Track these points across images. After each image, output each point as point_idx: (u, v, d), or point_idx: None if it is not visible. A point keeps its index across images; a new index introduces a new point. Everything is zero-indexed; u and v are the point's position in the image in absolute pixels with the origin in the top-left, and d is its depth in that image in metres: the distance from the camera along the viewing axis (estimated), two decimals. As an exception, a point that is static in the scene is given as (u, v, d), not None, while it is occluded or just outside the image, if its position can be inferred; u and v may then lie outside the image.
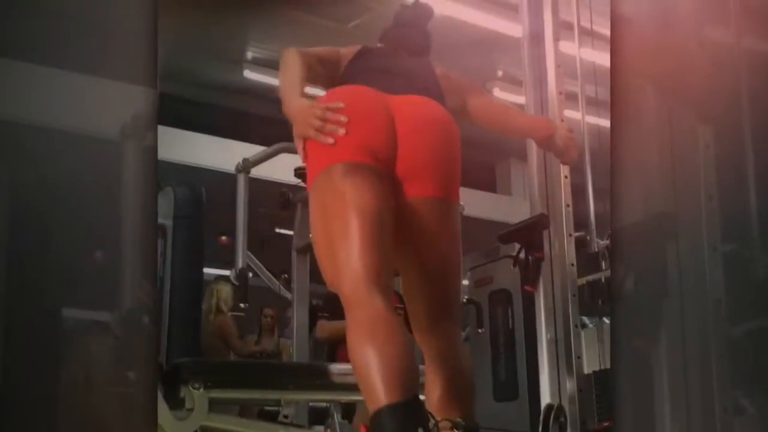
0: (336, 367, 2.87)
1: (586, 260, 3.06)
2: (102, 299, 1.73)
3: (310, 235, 1.94)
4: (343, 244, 1.76)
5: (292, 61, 1.96)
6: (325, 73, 2.04)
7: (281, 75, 1.96)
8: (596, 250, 3.15)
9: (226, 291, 5.57)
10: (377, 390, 1.58)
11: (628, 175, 1.98)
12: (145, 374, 1.75)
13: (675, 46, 1.99)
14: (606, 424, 2.77)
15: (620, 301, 2.00)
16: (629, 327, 1.96)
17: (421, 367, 1.96)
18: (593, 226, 3.22)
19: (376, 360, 1.60)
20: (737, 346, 1.83)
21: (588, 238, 3.25)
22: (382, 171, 1.83)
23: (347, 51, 2.11)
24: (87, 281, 1.71)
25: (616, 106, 1.94)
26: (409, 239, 1.90)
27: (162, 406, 2.52)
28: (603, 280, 2.89)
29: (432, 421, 1.68)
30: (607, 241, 2.93)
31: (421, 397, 1.90)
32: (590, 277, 3.06)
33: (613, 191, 1.93)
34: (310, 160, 1.90)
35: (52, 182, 1.67)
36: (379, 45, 2.23)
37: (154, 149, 1.79)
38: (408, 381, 1.60)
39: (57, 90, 1.71)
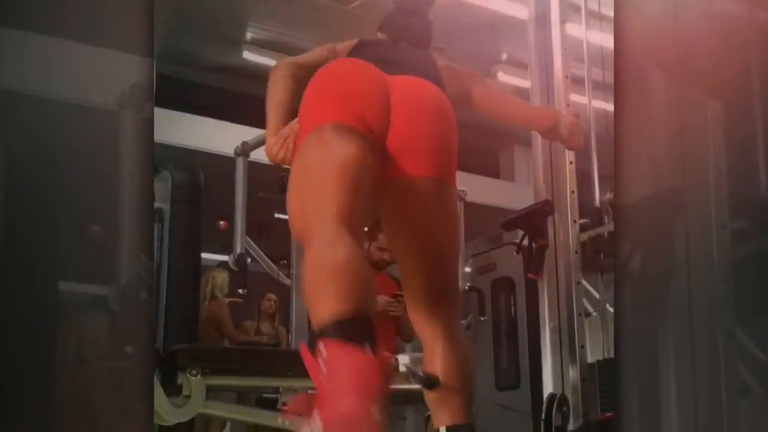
0: (335, 355, 2.87)
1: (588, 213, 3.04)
2: (96, 270, 1.73)
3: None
4: (316, 188, 1.71)
5: (273, 86, 1.99)
6: None
7: (266, 105, 2.01)
8: (598, 204, 3.14)
9: (221, 278, 5.59)
10: (323, 304, 1.47)
11: (632, 149, 1.97)
12: (142, 350, 1.74)
13: (683, 20, 1.97)
14: (609, 414, 2.77)
15: (625, 280, 1.98)
16: (634, 306, 1.95)
17: (418, 355, 1.96)
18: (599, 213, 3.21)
19: (326, 277, 1.50)
20: (745, 326, 1.82)
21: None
22: (373, 141, 1.81)
23: (344, 45, 2.10)
24: (81, 252, 1.70)
25: (620, 79, 1.93)
26: (403, 220, 1.90)
27: (159, 393, 2.53)
28: (605, 234, 2.87)
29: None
30: (610, 195, 2.91)
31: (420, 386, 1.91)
32: (592, 232, 3.04)
33: (616, 167, 1.92)
34: (301, 121, 1.90)
35: (45, 152, 1.66)
36: (378, 35, 2.22)
37: (151, 120, 1.78)
38: (358, 293, 1.50)
39: (52, 59, 1.69)
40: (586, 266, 2.93)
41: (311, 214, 1.69)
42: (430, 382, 1.81)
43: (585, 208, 3.01)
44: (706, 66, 1.91)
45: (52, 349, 1.65)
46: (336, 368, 1.39)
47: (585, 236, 2.93)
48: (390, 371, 1.44)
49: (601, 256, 2.96)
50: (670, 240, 1.91)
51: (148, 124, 1.78)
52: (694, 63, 1.92)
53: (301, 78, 1.98)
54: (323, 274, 1.53)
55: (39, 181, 1.65)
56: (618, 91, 1.96)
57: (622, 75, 1.95)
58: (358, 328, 1.45)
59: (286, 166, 1.97)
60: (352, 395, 1.36)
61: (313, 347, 1.47)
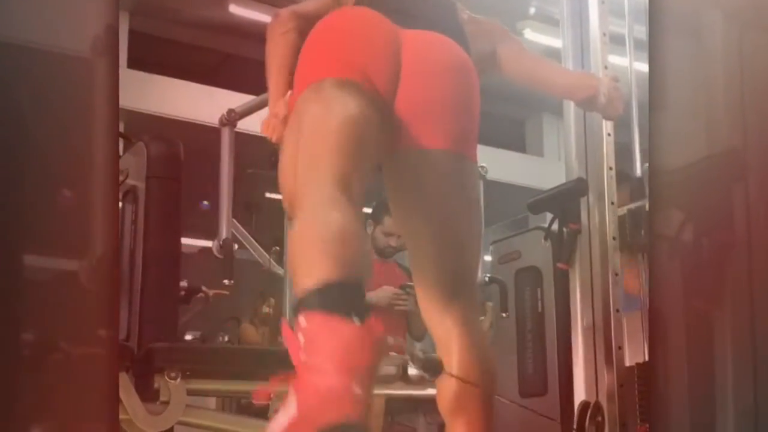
0: (335, 355, 2.89)
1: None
2: (63, 240, 1.72)
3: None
4: (312, 149, 1.68)
5: (273, 43, 2.00)
6: None
7: (266, 65, 2.01)
8: (640, 174, 3.12)
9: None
10: (307, 269, 1.44)
11: (674, 102, 1.94)
12: (106, 329, 1.74)
13: None
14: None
15: (664, 259, 1.96)
16: (680, 289, 1.93)
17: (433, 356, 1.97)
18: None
19: (314, 240, 1.48)
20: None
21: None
22: (379, 99, 1.79)
23: None
24: (30, 214, 1.69)
25: (657, 22, 1.89)
26: (414, 200, 1.90)
27: (133, 398, 2.54)
28: (647, 208, 2.85)
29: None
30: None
31: (432, 390, 1.92)
32: (632, 205, 3.02)
33: (652, 123, 1.89)
34: (296, 81, 1.89)
35: None
36: None
37: (115, 67, 1.76)
38: (348, 257, 1.46)
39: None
40: (622, 246, 2.89)
41: (305, 178, 1.65)
42: (434, 367, 1.81)
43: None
44: None
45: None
46: (316, 341, 1.37)
47: (623, 210, 2.90)
48: (379, 343, 1.40)
49: (642, 233, 2.92)
50: (728, 210, 1.89)
51: (113, 73, 1.75)
52: (760, 8, 1.89)
53: (306, 32, 1.97)
54: (311, 237, 1.50)
55: None
56: (655, 27, 1.93)
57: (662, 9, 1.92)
58: (344, 295, 1.41)
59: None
60: (332, 371, 1.34)
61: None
